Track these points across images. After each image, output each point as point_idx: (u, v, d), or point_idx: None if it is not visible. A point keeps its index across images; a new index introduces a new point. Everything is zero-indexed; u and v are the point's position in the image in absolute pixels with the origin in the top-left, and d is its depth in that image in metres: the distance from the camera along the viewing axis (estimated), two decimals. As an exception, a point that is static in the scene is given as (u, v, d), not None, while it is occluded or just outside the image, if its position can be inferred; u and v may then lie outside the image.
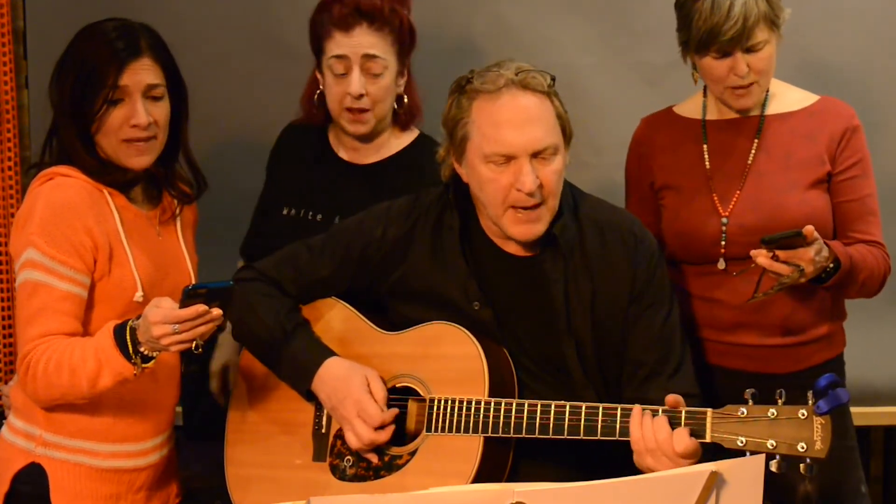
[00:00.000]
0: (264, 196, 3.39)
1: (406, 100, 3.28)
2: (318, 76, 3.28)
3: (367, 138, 3.28)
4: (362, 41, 3.17)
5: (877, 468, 4.08)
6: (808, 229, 2.81)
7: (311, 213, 3.28)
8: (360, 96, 3.18)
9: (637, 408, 2.68)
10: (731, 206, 3.07)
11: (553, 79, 2.81)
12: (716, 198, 3.08)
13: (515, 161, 2.77)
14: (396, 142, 3.32)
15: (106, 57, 2.83)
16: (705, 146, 3.13)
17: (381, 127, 3.27)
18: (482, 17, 3.78)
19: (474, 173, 2.82)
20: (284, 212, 3.30)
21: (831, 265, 2.92)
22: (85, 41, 2.87)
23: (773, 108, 3.12)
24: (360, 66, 3.17)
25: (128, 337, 2.72)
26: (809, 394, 2.58)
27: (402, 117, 3.30)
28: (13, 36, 3.71)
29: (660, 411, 2.67)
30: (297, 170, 3.33)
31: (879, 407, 3.77)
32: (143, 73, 2.85)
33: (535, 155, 2.78)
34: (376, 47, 3.18)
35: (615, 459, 2.66)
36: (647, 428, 2.65)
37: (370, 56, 3.17)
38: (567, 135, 2.83)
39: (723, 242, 3.05)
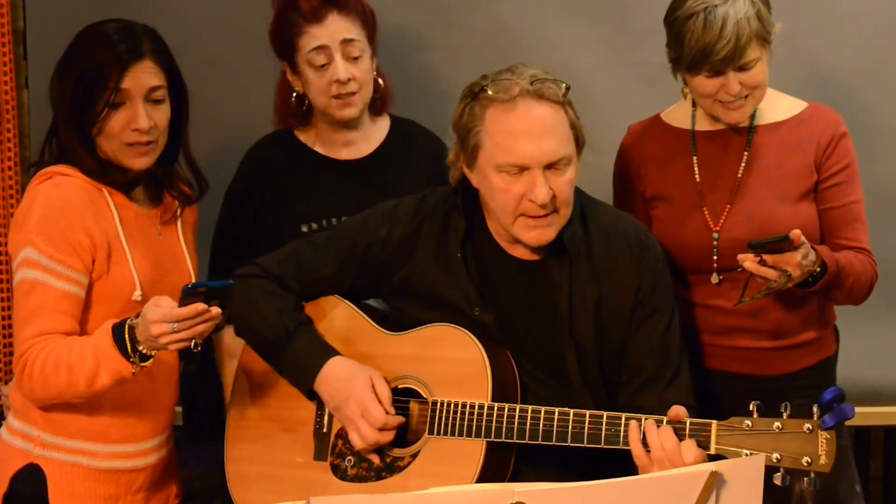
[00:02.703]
0: (262, 218, 3.32)
1: (381, 83, 3.31)
2: (291, 78, 3.30)
3: (353, 125, 3.30)
4: (337, 27, 3.22)
5: (877, 468, 4.08)
6: (796, 233, 2.81)
7: (334, 221, 3.27)
8: (348, 81, 3.21)
9: (633, 424, 2.67)
10: (721, 221, 3.06)
11: (568, 87, 2.80)
12: (706, 212, 3.08)
13: (529, 172, 2.77)
14: (377, 128, 3.37)
15: (108, 59, 2.83)
16: (695, 158, 3.12)
17: (364, 113, 3.31)
18: (482, 17, 3.78)
19: (486, 181, 2.82)
20: (305, 229, 3.28)
21: (818, 269, 2.92)
22: (87, 42, 2.87)
23: (762, 119, 3.10)
24: (342, 52, 3.21)
25: (126, 336, 2.72)
26: (815, 408, 2.59)
27: (378, 102, 3.33)
28: (13, 36, 3.71)
29: (664, 422, 2.68)
30: (295, 183, 3.32)
31: (879, 407, 3.77)
32: (145, 76, 2.85)
33: (549, 166, 2.77)
34: (351, 31, 3.23)
35: (618, 467, 2.64)
36: (653, 438, 2.65)
37: (348, 40, 3.22)
38: (580, 144, 2.82)
39: (715, 257, 3.05)
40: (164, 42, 2.91)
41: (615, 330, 2.87)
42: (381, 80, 3.31)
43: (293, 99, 3.32)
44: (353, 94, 3.23)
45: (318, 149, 3.35)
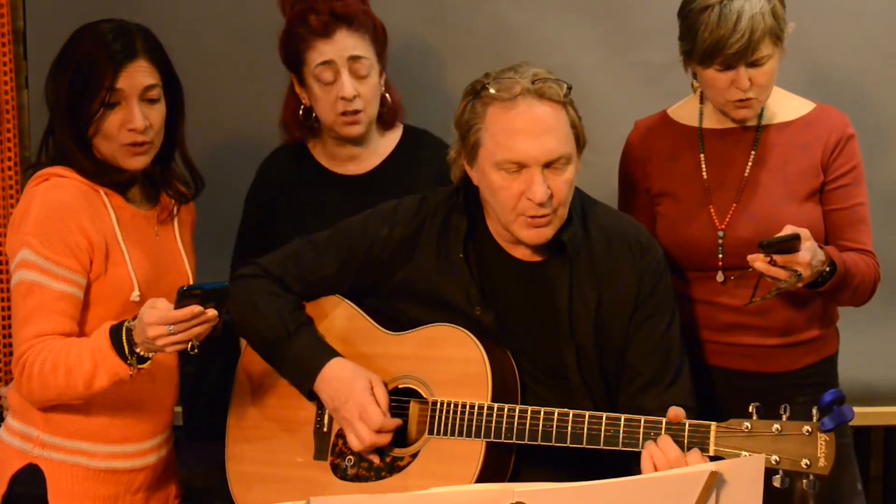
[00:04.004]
0: (275, 230, 3.31)
1: (389, 98, 3.30)
2: (300, 90, 3.29)
3: (359, 141, 3.29)
4: (345, 44, 3.20)
5: (877, 468, 4.07)
6: (805, 233, 2.81)
7: None
8: (354, 98, 3.19)
9: (645, 458, 2.67)
10: (727, 219, 3.06)
11: (570, 88, 2.81)
12: (713, 210, 3.08)
13: (527, 170, 2.76)
14: (385, 141, 3.35)
15: (102, 59, 2.83)
16: (702, 155, 3.12)
17: (371, 128, 3.29)
18: (482, 17, 3.78)
19: (485, 179, 2.82)
20: None
21: (827, 269, 2.92)
22: (81, 43, 2.87)
23: (770, 118, 3.10)
24: (348, 69, 3.19)
25: (124, 338, 2.72)
26: (814, 410, 2.58)
27: (387, 117, 3.32)
28: (13, 36, 3.72)
29: (662, 428, 2.68)
30: (303, 201, 3.31)
31: (879, 407, 3.77)
32: (139, 76, 2.84)
33: (548, 165, 2.77)
34: (359, 48, 3.21)
35: (618, 467, 2.63)
36: (656, 453, 2.65)
37: (356, 57, 3.20)
38: (580, 143, 2.82)
39: (720, 255, 3.06)
40: (158, 41, 2.91)
41: (615, 331, 2.87)
42: (388, 96, 3.29)
43: (301, 112, 3.31)
44: (358, 111, 3.22)
45: (325, 163, 3.34)
